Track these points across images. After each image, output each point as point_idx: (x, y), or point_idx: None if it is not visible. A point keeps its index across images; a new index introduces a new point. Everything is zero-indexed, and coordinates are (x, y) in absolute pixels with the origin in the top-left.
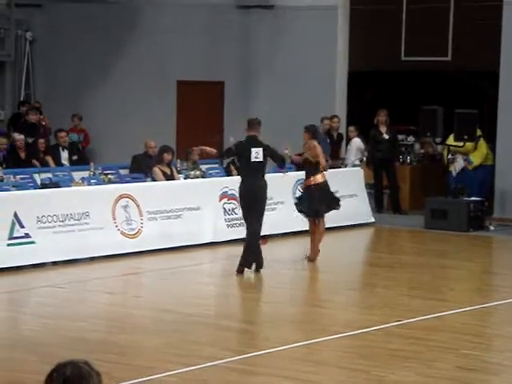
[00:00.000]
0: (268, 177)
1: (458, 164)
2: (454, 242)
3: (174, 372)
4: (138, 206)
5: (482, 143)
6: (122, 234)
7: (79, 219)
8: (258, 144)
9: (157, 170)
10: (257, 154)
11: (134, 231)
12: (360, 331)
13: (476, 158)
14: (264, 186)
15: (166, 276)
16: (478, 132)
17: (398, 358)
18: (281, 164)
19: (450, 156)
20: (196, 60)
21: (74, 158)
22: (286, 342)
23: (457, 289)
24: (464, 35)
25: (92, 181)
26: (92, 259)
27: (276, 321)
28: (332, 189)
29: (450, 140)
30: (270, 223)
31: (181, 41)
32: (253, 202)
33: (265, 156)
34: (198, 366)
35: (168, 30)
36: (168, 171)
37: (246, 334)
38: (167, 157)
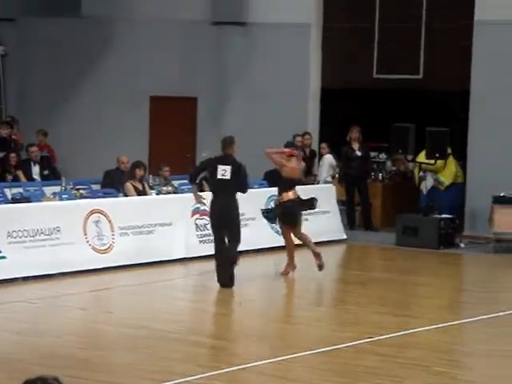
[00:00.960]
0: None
1: (429, 182)
2: (424, 258)
3: None
4: (109, 221)
5: (451, 161)
6: (94, 249)
7: (50, 234)
8: (227, 162)
9: (129, 186)
10: (224, 172)
11: (105, 246)
12: (331, 348)
13: (446, 178)
14: (232, 204)
15: (138, 292)
16: (448, 150)
17: (369, 375)
18: (243, 190)
19: (421, 173)
20: (169, 75)
21: (46, 172)
22: (257, 359)
23: (427, 306)
24: (435, 54)
25: (63, 196)
26: (63, 274)
27: (248, 337)
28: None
29: (421, 157)
30: (243, 239)
31: (154, 56)
32: (220, 220)
33: (234, 174)
34: (170, 383)
35: (141, 45)
36: (140, 187)
37: (218, 350)
38: (139, 172)
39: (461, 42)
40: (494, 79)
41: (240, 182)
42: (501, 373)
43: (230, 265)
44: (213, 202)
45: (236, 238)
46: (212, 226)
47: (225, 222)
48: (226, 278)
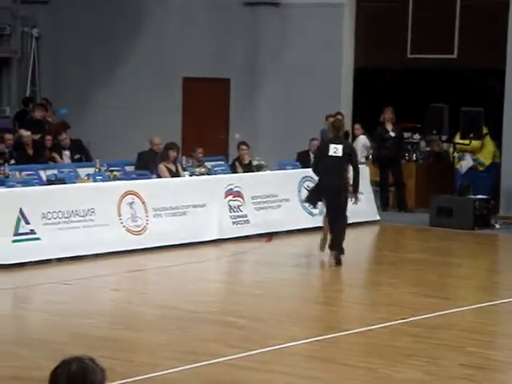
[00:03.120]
0: (272, 174)
1: (467, 163)
2: (459, 239)
3: (179, 369)
4: (143, 202)
5: (489, 141)
6: (128, 230)
7: (84, 216)
8: (339, 142)
9: (162, 167)
10: (335, 150)
11: (139, 228)
12: (365, 328)
13: (485, 158)
14: (342, 181)
15: (171, 273)
16: (485, 130)
17: (402, 356)
18: (355, 167)
19: (456, 154)
20: (202, 57)
21: (77, 156)
22: (291, 340)
23: (462, 287)
24: (470, 33)
25: (97, 177)
26: (97, 256)
27: (281, 318)
28: None
29: (457, 138)
30: (274, 220)
31: (187, 38)
32: (329, 198)
33: (345, 153)
34: (202, 363)
35: (174, 27)
36: (173, 168)
37: (251, 331)
38: (172, 154)
39: (496, 20)
40: None
41: (352, 159)
42: None
43: (339, 241)
44: (324, 179)
45: (344, 213)
46: (324, 200)
47: (334, 197)
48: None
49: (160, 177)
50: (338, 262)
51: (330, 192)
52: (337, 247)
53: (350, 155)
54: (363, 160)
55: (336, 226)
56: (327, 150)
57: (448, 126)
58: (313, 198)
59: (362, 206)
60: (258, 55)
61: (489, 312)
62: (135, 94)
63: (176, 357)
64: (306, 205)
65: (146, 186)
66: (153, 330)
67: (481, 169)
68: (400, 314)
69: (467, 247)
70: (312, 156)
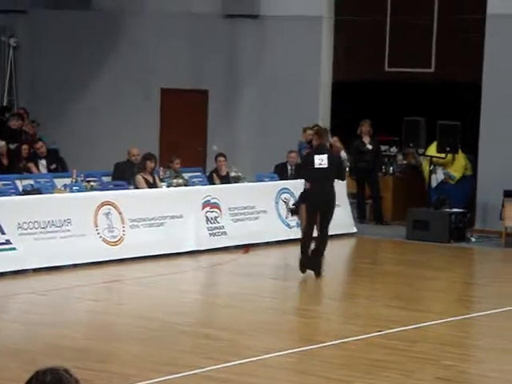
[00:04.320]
0: (249, 186)
1: (439, 175)
2: (435, 252)
3: (155, 380)
4: (120, 213)
5: (460, 155)
6: (104, 241)
7: (61, 226)
8: (323, 152)
9: (139, 178)
10: (321, 161)
11: (115, 238)
12: (341, 341)
13: (456, 172)
14: (330, 192)
15: (148, 284)
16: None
17: (378, 369)
18: (342, 178)
19: (431, 167)
20: (181, 68)
21: (53, 166)
22: (268, 351)
23: (437, 299)
24: (447, 47)
25: (74, 188)
26: (74, 266)
27: (258, 330)
28: None
29: (431, 150)
30: (251, 232)
31: (165, 49)
32: (316, 208)
33: (331, 163)
34: (179, 375)
35: (152, 38)
36: (151, 179)
37: (227, 343)
38: (150, 164)
39: (473, 35)
40: (505, 72)
41: (338, 170)
42: (510, 367)
43: (321, 252)
44: (311, 190)
45: (328, 225)
46: (307, 211)
47: (321, 209)
48: (314, 265)
49: (137, 187)
50: (318, 274)
51: (319, 206)
52: (317, 260)
53: (338, 167)
54: None
55: (319, 239)
56: (312, 162)
57: (425, 140)
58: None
59: (339, 219)
60: (236, 67)
61: (464, 325)
62: (113, 104)
63: (152, 368)
64: (291, 217)
65: (122, 196)
66: (129, 341)
67: (452, 182)
68: (376, 326)
69: (443, 260)
70: (290, 168)
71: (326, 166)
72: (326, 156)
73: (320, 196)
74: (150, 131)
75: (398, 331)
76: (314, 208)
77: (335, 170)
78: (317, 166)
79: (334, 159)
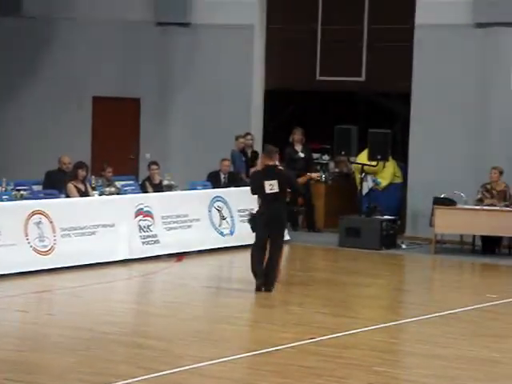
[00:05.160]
0: (183, 194)
1: (369, 183)
2: (366, 259)
3: None
4: (51, 222)
5: (390, 163)
6: (35, 250)
7: None
8: (273, 175)
9: (71, 187)
10: (271, 187)
11: (46, 248)
12: (274, 348)
13: (383, 179)
14: (282, 213)
15: (80, 293)
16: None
17: (310, 376)
18: (300, 195)
19: (362, 175)
20: (112, 76)
21: None
22: (200, 360)
23: (369, 306)
24: (377, 57)
25: (4, 197)
26: (3, 276)
27: (191, 338)
28: (247, 206)
29: (362, 158)
30: (185, 240)
31: (97, 57)
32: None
33: (282, 185)
34: None
35: (84, 45)
36: (82, 187)
37: (160, 352)
38: (82, 173)
39: (402, 44)
40: (433, 82)
41: (292, 189)
42: (440, 373)
43: (273, 271)
44: (265, 210)
45: (281, 244)
46: (257, 232)
47: (276, 228)
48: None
49: (69, 196)
50: (269, 289)
51: (272, 224)
52: (270, 277)
53: (290, 187)
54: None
55: (272, 256)
56: (263, 188)
57: (356, 148)
58: (255, 225)
59: None
60: (168, 75)
61: (395, 331)
62: (45, 112)
63: (84, 379)
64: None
65: (54, 205)
66: (60, 352)
67: (379, 189)
68: (309, 333)
69: (374, 267)
70: (223, 176)
71: (276, 190)
72: (275, 182)
73: (271, 214)
74: (81, 139)
75: (330, 338)
76: (264, 227)
77: (286, 190)
78: (268, 191)
79: (284, 181)
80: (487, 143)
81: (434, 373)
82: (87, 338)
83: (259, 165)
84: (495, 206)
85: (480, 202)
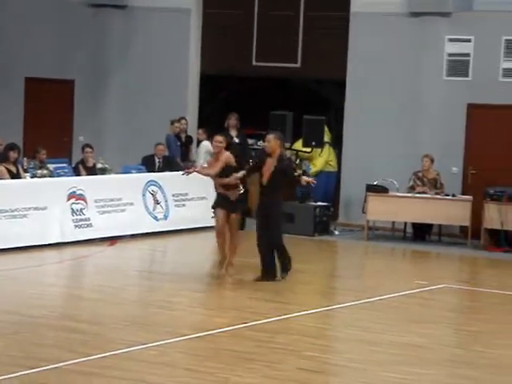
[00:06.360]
0: (116, 177)
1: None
2: (300, 245)
3: (13, 375)
4: None
5: (326, 150)
6: None
7: None
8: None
9: (2, 169)
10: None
11: None
12: (206, 333)
13: (314, 166)
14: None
15: (10, 276)
16: (326, 138)
17: (242, 360)
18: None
19: (297, 161)
20: (45, 57)
21: None
22: (132, 344)
23: (301, 292)
24: (313, 43)
25: None
26: None
27: (122, 322)
28: (181, 191)
29: (297, 145)
30: (118, 224)
31: (30, 37)
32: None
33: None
34: (40, 369)
35: (17, 25)
36: (14, 169)
37: (91, 336)
38: (13, 155)
39: (338, 31)
40: (368, 69)
41: (289, 179)
42: (370, 358)
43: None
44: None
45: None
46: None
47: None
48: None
49: (0, 178)
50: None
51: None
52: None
53: (285, 174)
54: (206, 165)
55: (265, 244)
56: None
57: (291, 134)
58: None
59: (206, 211)
60: (103, 57)
61: (326, 316)
62: None
63: (13, 362)
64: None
65: None
66: None
67: (310, 176)
68: (241, 318)
69: (307, 252)
70: (157, 160)
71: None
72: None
73: (263, 201)
74: (13, 121)
75: (262, 323)
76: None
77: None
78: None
79: (284, 168)
80: (420, 131)
81: (364, 358)
82: (17, 321)
83: (273, 148)
84: (426, 193)
85: (412, 189)
